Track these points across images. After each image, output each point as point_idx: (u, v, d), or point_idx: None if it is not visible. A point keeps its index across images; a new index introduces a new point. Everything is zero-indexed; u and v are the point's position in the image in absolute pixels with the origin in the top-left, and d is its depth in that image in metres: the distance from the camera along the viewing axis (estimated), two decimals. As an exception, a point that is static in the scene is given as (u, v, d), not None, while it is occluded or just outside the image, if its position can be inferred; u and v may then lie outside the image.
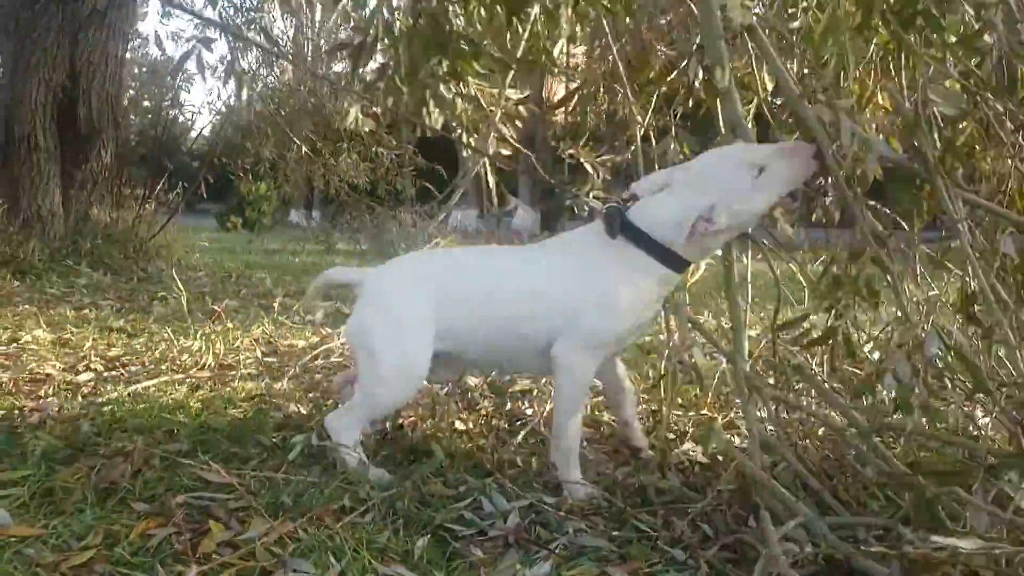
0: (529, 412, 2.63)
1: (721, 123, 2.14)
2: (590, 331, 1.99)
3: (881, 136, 1.88)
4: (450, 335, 2.06)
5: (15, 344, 3.48)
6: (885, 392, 1.61)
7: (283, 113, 9.51)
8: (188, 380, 2.94)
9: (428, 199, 9.32)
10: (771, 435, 1.98)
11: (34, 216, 6.17)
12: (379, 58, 3.06)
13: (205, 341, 3.44)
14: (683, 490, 1.96)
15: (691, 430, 2.48)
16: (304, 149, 9.19)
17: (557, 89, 18.85)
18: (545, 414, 2.57)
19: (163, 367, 3.15)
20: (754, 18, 1.98)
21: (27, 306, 4.43)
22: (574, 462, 2.02)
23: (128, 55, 7.99)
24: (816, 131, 1.83)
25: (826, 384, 2.04)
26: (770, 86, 2.29)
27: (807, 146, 1.88)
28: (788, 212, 2.06)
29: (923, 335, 1.62)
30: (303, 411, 2.55)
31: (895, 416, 1.69)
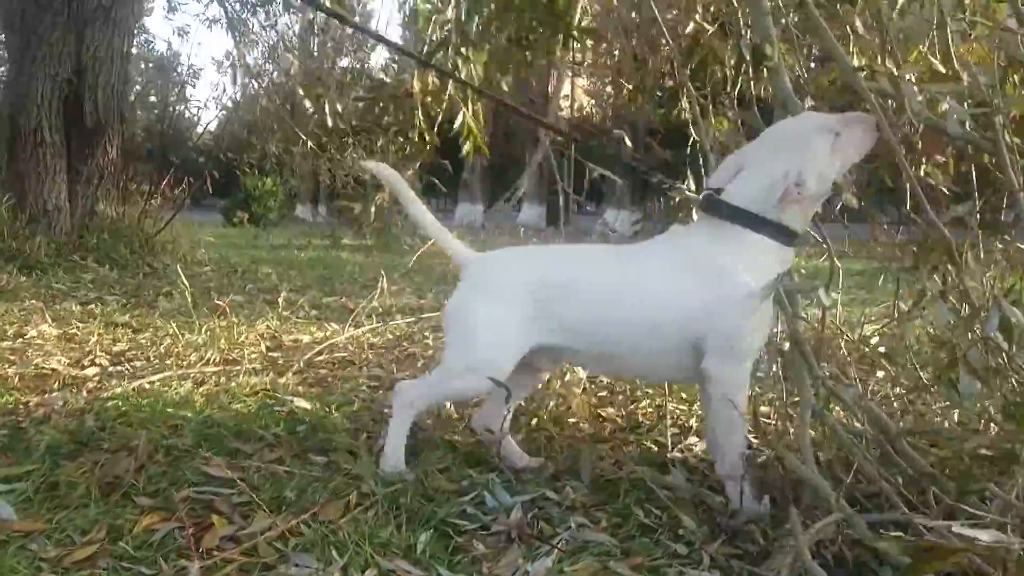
0: (532, 406, 2.63)
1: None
2: (734, 331, 1.88)
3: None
4: (565, 330, 1.99)
5: (21, 339, 3.49)
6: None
7: (289, 108, 9.53)
8: (193, 375, 2.95)
9: (433, 194, 9.31)
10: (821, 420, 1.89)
11: (40, 211, 6.19)
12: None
13: (210, 336, 3.44)
14: (688, 485, 1.96)
15: (695, 424, 2.48)
16: (310, 144, 9.20)
17: (562, 84, 18.84)
18: (550, 407, 2.57)
19: (168, 362, 3.16)
20: None
21: (33, 301, 4.44)
22: (740, 474, 1.89)
23: (135, 50, 8.00)
24: (872, 105, 1.83)
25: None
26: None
27: (871, 116, 1.87)
28: (847, 181, 2.03)
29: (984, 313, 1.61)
30: (307, 406, 2.56)
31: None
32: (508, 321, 2.00)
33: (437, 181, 8.48)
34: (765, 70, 2.10)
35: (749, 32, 2.24)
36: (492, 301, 2.03)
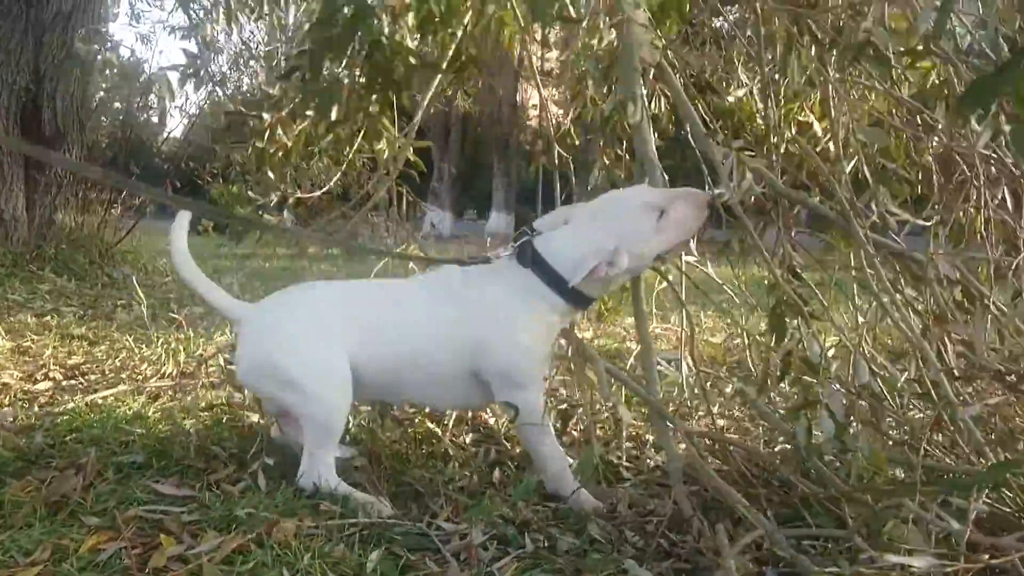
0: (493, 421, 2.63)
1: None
2: (512, 367, 1.96)
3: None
4: (352, 361, 2.01)
5: (-27, 353, 3.42)
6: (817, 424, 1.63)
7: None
8: (148, 389, 2.90)
9: (400, 203, 9.25)
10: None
11: (-3, 220, 6.08)
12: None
13: (167, 349, 3.40)
14: (634, 500, 1.98)
15: (651, 438, 2.50)
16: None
17: (532, 94, 18.89)
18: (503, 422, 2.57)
19: (123, 376, 3.11)
20: (661, 57, 2.03)
21: (-13, 313, 4.36)
22: (569, 480, 1.99)
23: (98, 57, 7.88)
24: (719, 170, 1.89)
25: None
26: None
27: (703, 193, 1.92)
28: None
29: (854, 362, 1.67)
30: (263, 421, 2.53)
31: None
32: (315, 338, 1.99)
33: (402, 190, 8.42)
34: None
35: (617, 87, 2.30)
36: (288, 337, 2.00)
